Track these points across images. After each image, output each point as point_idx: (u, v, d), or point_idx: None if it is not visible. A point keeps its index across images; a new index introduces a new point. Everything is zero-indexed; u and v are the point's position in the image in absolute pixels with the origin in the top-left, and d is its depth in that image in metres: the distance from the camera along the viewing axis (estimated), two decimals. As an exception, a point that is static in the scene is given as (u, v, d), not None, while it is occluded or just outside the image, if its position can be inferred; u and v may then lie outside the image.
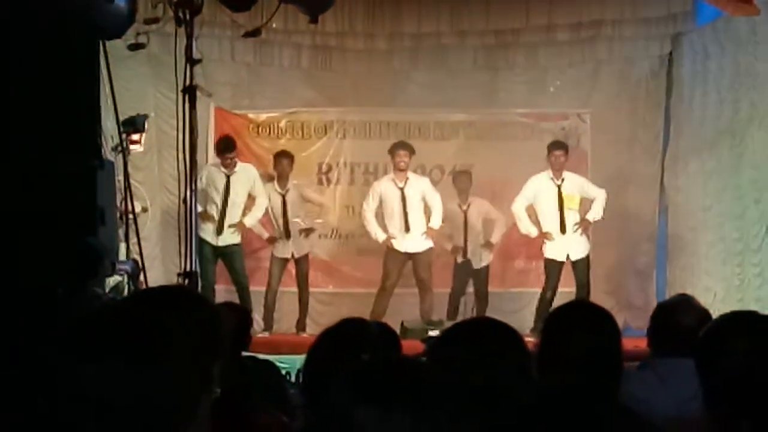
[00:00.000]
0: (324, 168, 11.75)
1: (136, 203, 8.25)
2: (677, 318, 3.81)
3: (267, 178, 10.54)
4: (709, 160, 10.42)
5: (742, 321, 2.63)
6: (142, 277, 7.71)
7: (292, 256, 10.50)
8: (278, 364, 5.70)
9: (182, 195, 7.26)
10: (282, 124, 11.74)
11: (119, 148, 8.18)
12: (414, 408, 1.73)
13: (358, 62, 11.68)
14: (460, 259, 10.74)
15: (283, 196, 10.48)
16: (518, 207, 10.28)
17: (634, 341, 6.47)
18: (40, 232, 5.43)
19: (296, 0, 8.09)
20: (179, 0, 7.01)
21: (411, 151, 10.33)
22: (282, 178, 10.54)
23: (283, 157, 10.60)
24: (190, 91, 6.88)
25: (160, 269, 10.68)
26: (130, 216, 8.04)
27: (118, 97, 6.91)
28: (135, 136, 8.98)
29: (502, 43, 11.61)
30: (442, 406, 1.77)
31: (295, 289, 10.63)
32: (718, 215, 10.23)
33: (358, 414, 1.72)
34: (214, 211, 10.03)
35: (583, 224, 10.17)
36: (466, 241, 10.69)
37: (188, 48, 6.93)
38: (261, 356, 5.62)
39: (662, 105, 11.49)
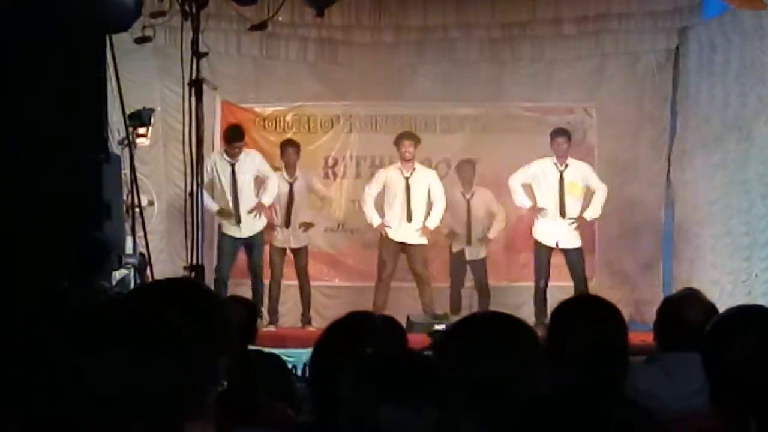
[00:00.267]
0: (330, 162, 11.75)
1: (142, 197, 8.26)
2: (684, 312, 3.80)
3: (274, 170, 10.53)
4: (715, 153, 10.40)
5: (748, 315, 2.63)
6: (148, 271, 7.71)
7: (290, 246, 10.51)
8: (284, 357, 5.70)
9: (188, 188, 7.27)
10: (288, 117, 11.75)
11: (125, 142, 8.18)
12: (433, 403, 1.73)
13: (364, 56, 11.67)
14: (455, 248, 10.73)
15: (291, 185, 10.50)
16: (515, 181, 10.33)
17: (641, 335, 6.46)
18: (46, 225, 5.44)
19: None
20: (185, -7, 7.01)
21: (416, 140, 10.36)
22: (289, 167, 10.56)
23: (289, 145, 10.61)
24: (196, 85, 6.88)
25: (167, 263, 10.69)
26: (137, 209, 8.04)
27: (124, 90, 6.91)
28: (141, 130, 8.98)
29: (508, 37, 11.60)
30: (453, 401, 1.77)
31: (298, 282, 10.65)
32: (724, 209, 10.21)
33: (382, 412, 1.72)
34: (226, 203, 10.05)
35: (579, 221, 10.20)
36: (469, 230, 10.70)
37: (194, 41, 6.92)
38: (267, 350, 5.63)
39: (669, 99, 11.47)
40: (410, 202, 10.26)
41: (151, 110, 9.24)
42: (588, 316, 3.05)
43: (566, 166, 10.20)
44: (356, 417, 1.76)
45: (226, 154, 10.12)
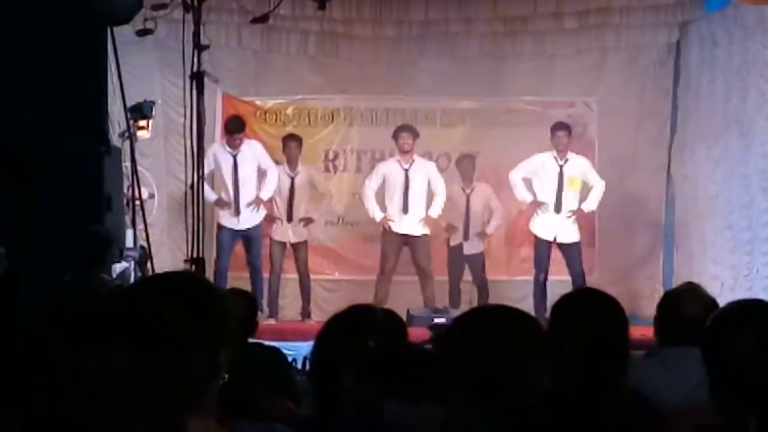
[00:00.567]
0: (331, 155, 11.74)
1: (143, 189, 8.27)
2: (684, 307, 3.80)
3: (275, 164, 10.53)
4: (716, 148, 10.39)
5: (749, 310, 2.62)
6: (149, 264, 7.72)
7: (289, 241, 10.51)
8: (284, 351, 5.71)
9: (189, 181, 7.27)
10: (289, 111, 11.73)
11: (126, 135, 8.19)
12: (434, 397, 1.73)
13: (365, 49, 11.66)
14: (453, 242, 10.73)
15: (293, 179, 10.49)
16: (516, 176, 10.34)
17: (641, 330, 6.45)
18: (47, 218, 5.44)
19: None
20: (187, -14, 7.01)
21: (414, 133, 10.35)
22: (291, 162, 10.55)
23: (291, 139, 10.61)
24: (197, 78, 6.88)
25: (168, 255, 10.69)
26: (137, 202, 8.05)
27: (125, 83, 6.92)
28: (142, 123, 8.97)
29: (509, 31, 11.58)
30: (454, 394, 1.77)
31: (298, 276, 10.65)
32: (725, 203, 10.21)
33: (387, 407, 1.72)
34: (226, 195, 10.05)
35: (577, 213, 10.21)
36: (468, 224, 10.70)
37: (196, 34, 6.92)
38: (267, 343, 5.63)
39: (669, 93, 11.45)
40: (408, 194, 10.26)
41: (152, 103, 9.23)
42: (589, 310, 3.05)
43: (566, 160, 10.20)
44: (357, 410, 1.76)
45: (228, 145, 10.11)
